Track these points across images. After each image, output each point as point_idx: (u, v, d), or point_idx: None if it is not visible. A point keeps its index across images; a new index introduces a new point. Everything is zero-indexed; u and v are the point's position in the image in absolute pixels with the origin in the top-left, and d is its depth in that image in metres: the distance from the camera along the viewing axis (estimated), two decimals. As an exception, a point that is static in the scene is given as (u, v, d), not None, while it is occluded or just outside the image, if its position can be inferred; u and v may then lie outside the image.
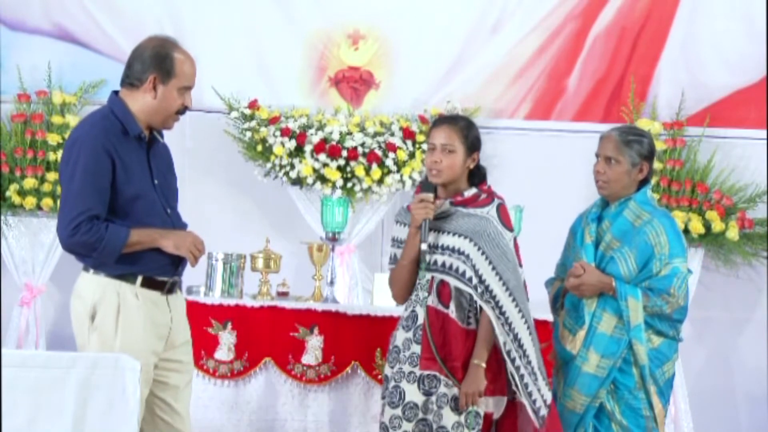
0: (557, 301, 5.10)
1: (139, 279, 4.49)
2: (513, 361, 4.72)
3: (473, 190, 4.84)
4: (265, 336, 6.27)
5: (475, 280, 4.71)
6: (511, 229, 4.81)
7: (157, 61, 4.51)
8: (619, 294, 4.86)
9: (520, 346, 4.72)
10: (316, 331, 6.31)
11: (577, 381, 4.91)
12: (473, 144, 4.82)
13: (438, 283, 4.80)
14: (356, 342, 6.32)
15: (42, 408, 4.12)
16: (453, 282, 4.76)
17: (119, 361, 4.22)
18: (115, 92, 4.60)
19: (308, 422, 6.33)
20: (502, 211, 4.82)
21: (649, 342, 4.89)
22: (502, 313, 4.70)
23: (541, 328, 5.31)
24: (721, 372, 7.74)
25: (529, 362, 4.73)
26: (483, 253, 4.73)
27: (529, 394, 4.73)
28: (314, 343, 6.30)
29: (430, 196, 4.78)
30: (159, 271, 4.53)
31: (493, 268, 4.72)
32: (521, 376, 4.72)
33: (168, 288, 4.57)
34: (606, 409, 4.91)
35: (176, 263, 4.58)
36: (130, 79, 4.55)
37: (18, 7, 7.76)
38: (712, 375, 7.71)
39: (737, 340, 7.76)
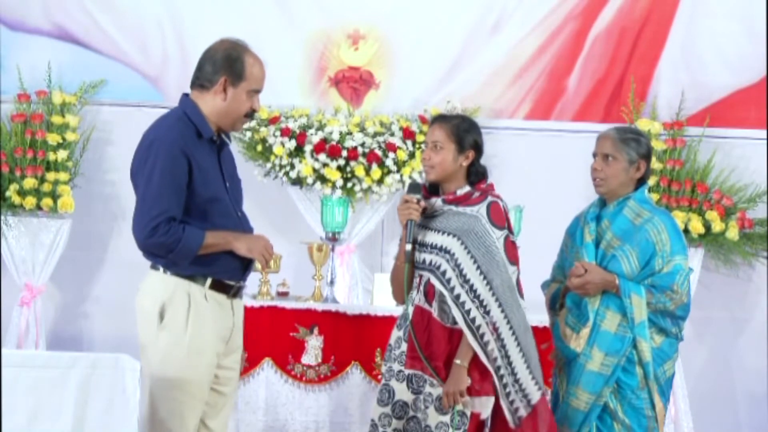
0: (556, 301, 5.10)
1: (209, 281, 4.51)
2: (494, 361, 4.70)
3: (466, 189, 4.83)
4: (265, 336, 6.28)
5: (454, 280, 4.70)
6: (501, 227, 4.76)
7: (228, 63, 4.52)
8: (623, 291, 4.85)
9: (503, 346, 4.70)
10: (316, 331, 6.31)
11: (581, 379, 4.91)
12: (465, 142, 4.81)
13: (425, 282, 4.80)
14: (356, 342, 6.32)
15: (42, 408, 4.13)
16: (432, 280, 4.77)
17: (119, 361, 4.23)
18: (186, 94, 4.60)
19: (308, 422, 6.33)
20: (492, 208, 4.78)
21: (652, 340, 4.89)
22: (487, 312, 4.69)
23: (540, 334, 5.29)
24: (721, 372, 7.73)
25: (510, 363, 4.71)
26: (468, 252, 4.72)
27: (507, 395, 4.72)
28: (314, 343, 6.30)
29: (414, 197, 4.80)
30: (228, 275, 4.55)
31: (478, 267, 4.71)
32: (501, 377, 4.71)
33: (234, 292, 4.59)
34: (609, 409, 4.91)
35: (245, 268, 4.60)
36: (201, 81, 4.55)
37: (18, 7, 7.76)
38: (712, 375, 7.70)
39: (737, 340, 7.76)
